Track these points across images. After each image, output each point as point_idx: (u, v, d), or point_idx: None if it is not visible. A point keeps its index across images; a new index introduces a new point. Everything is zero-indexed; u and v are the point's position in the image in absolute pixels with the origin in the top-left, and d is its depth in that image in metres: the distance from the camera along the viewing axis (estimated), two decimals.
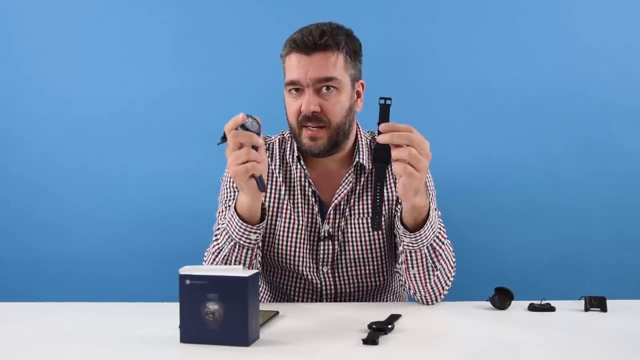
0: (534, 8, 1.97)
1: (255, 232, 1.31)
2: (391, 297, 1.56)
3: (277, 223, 1.46)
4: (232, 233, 1.32)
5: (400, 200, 1.31)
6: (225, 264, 1.33)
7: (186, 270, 1.05)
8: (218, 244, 1.35)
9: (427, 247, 1.31)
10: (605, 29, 1.97)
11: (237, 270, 1.05)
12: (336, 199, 1.45)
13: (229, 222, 1.32)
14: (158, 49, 2.00)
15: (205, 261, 1.38)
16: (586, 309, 1.29)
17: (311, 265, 1.46)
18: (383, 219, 1.46)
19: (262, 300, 1.55)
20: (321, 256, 1.45)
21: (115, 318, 1.24)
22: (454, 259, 1.39)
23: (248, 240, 1.32)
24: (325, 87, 1.36)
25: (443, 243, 1.34)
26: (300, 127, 1.39)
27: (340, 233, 1.45)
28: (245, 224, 1.30)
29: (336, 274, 1.46)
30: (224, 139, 1.20)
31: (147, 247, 2.01)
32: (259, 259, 1.39)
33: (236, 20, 1.99)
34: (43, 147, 2.02)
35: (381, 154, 1.21)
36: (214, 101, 2.00)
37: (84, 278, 2.01)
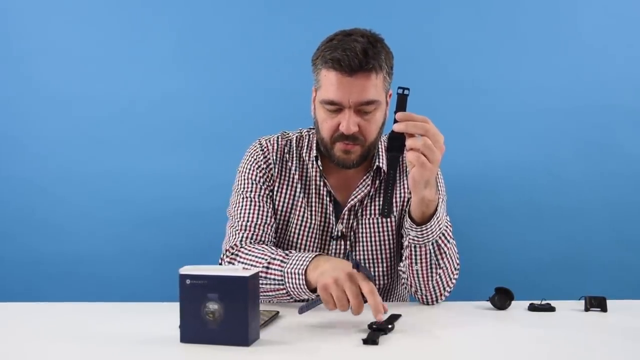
0: (535, 8, 1.97)
1: (309, 295, 1.28)
2: (395, 300, 1.55)
3: (291, 220, 1.46)
4: (288, 284, 1.27)
5: (410, 197, 1.31)
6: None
7: (186, 270, 1.05)
8: (268, 270, 1.30)
9: (432, 244, 1.31)
10: (606, 29, 1.96)
11: (238, 270, 1.05)
12: (352, 200, 1.45)
13: (289, 273, 1.27)
14: (159, 49, 2.00)
15: (237, 259, 1.34)
16: (586, 309, 1.29)
17: None
18: (393, 217, 1.47)
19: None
20: (332, 255, 1.45)
21: (115, 318, 1.24)
22: (457, 261, 1.39)
23: (299, 296, 1.29)
24: (365, 109, 1.36)
25: (448, 242, 1.34)
26: (333, 142, 1.39)
27: (352, 233, 1.46)
28: (307, 289, 1.26)
29: None
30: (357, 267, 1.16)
31: (147, 247, 2.00)
32: None
33: (238, 20, 1.99)
34: (43, 147, 2.01)
35: (395, 143, 1.22)
36: (215, 102, 2.00)
37: (84, 278, 2.01)
